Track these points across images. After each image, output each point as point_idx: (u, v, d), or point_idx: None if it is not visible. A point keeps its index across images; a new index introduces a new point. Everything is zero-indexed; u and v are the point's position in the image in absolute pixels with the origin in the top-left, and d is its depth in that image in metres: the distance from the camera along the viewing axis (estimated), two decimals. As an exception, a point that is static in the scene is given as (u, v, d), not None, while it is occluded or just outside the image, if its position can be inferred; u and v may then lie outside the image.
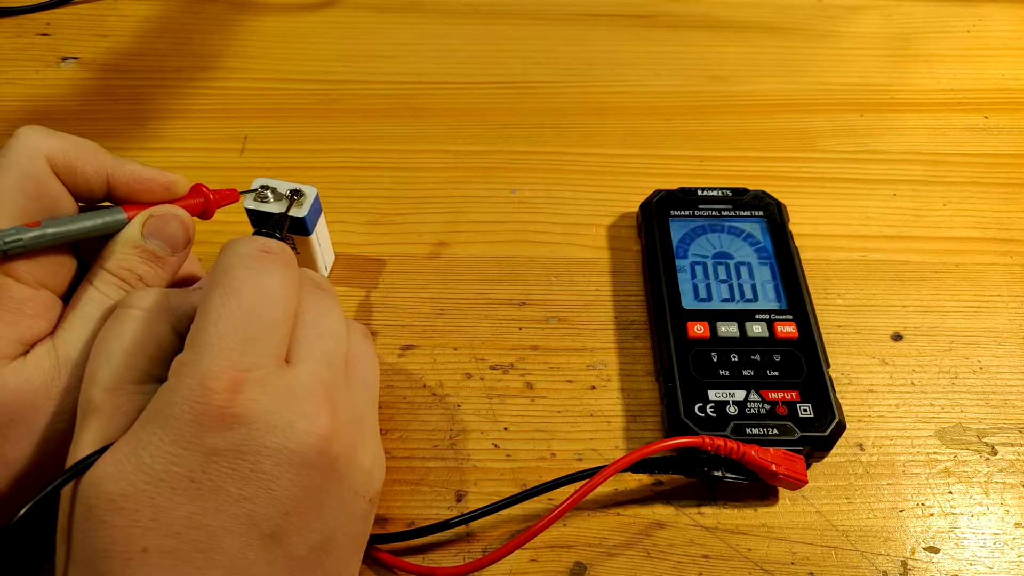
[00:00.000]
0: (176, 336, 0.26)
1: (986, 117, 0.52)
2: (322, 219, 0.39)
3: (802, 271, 0.40)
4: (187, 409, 0.22)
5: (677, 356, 0.36)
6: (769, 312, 0.38)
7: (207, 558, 0.22)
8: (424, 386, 0.38)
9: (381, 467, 0.28)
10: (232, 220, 0.38)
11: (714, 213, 0.42)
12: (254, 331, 0.23)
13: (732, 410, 0.34)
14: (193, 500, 0.22)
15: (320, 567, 0.24)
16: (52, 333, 0.27)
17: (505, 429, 0.36)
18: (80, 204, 0.29)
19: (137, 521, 0.22)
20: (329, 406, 0.24)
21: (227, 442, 0.22)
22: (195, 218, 0.31)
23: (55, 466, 0.28)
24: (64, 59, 0.54)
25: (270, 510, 0.23)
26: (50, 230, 0.26)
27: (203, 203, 0.31)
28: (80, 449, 0.23)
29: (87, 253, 0.29)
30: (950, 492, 0.35)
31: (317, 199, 0.37)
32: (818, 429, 0.34)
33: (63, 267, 0.28)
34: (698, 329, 0.37)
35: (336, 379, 0.25)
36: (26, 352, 0.27)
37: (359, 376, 0.28)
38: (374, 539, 0.32)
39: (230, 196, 0.33)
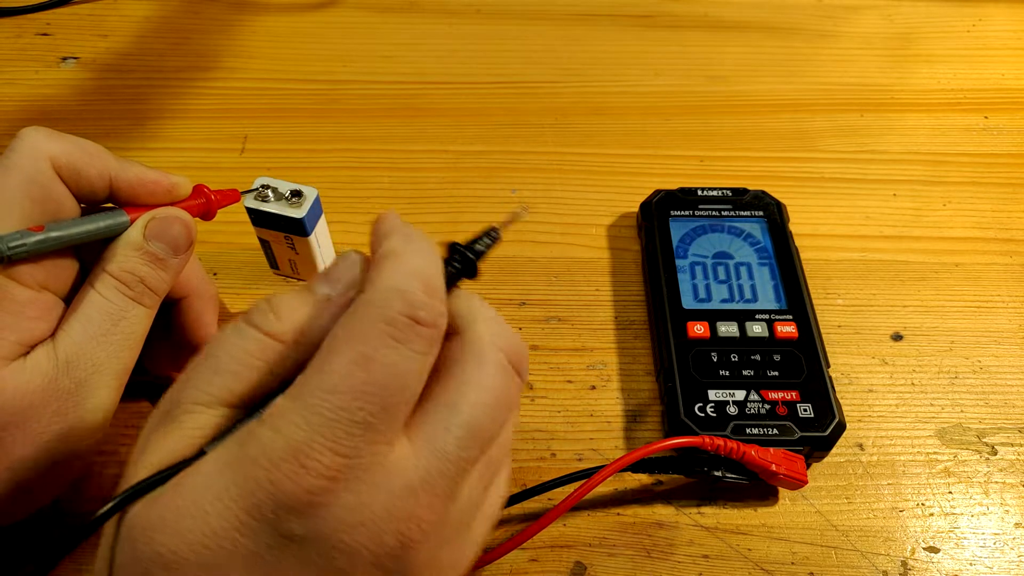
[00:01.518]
0: (292, 362, 0.22)
1: (986, 117, 0.52)
2: (322, 220, 0.39)
3: (802, 271, 0.40)
4: (272, 479, 0.19)
5: (677, 356, 0.36)
6: (769, 312, 0.38)
7: None
8: (424, 386, 0.38)
9: (465, 565, 0.24)
10: (233, 220, 0.38)
11: (714, 213, 0.42)
12: (373, 412, 0.20)
13: (732, 410, 0.34)
14: None
15: None
16: (53, 335, 0.27)
17: (505, 429, 0.36)
18: (82, 205, 0.29)
19: None
20: (428, 510, 0.20)
21: (306, 530, 0.19)
22: (196, 219, 0.31)
23: (53, 468, 0.28)
24: (64, 59, 0.54)
25: None
26: (53, 234, 0.26)
27: (205, 204, 0.31)
28: (149, 452, 0.21)
29: (88, 254, 0.29)
30: (950, 492, 0.35)
31: (317, 200, 0.37)
32: (818, 429, 0.34)
33: (65, 269, 0.28)
34: (698, 329, 0.37)
35: (454, 482, 0.21)
36: (26, 354, 0.27)
37: (488, 468, 0.23)
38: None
39: (231, 196, 0.33)
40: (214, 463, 0.20)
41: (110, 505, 0.20)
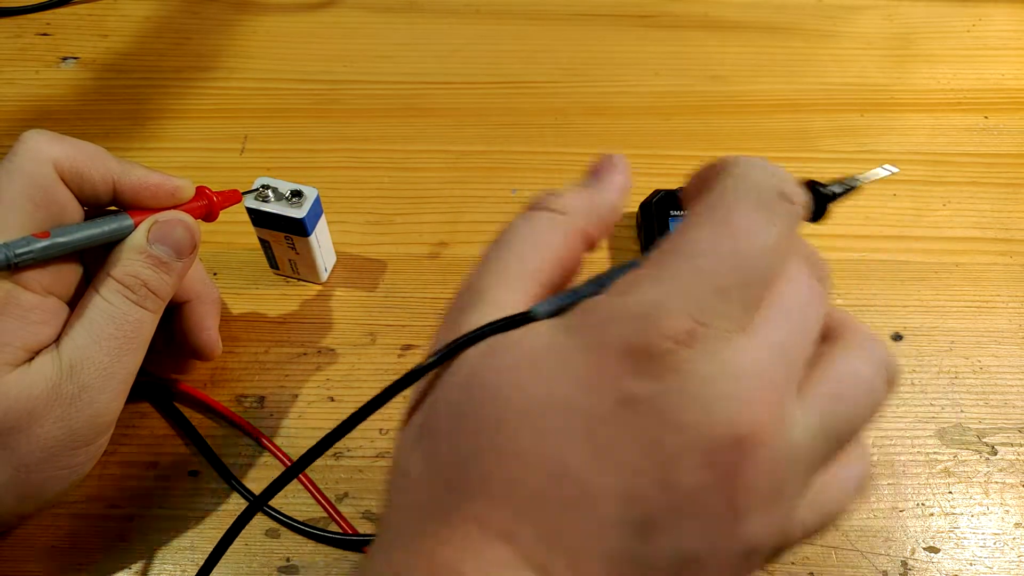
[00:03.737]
0: (587, 244, 0.23)
1: (986, 117, 0.52)
2: (323, 220, 0.39)
3: (802, 271, 0.40)
4: (625, 336, 0.18)
5: (677, 356, 0.36)
6: (769, 312, 0.38)
7: (571, 522, 0.18)
8: (424, 386, 0.37)
9: (782, 545, 0.20)
10: (233, 220, 0.37)
11: (714, 213, 0.42)
12: (736, 283, 0.19)
13: (732, 410, 0.34)
14: (577, 450, 0.18)
15: None
16: (57, 340, 0.27)
17: (505, 429, 0.36)
18: (84, 208, 0.29)
19: (520, 449, 0.18)
20: (766, 408, 0.18)
21: (648, 394, 0.18)
22: (198, 220, 0.31)
23: (57, 471, 0.28)
24: (64, 59, 0.54)
25: (653, 495, 0.18)
26: (59, 240, 0.26)
27: (207, 206, 0.31)
28: (457, 322, 0.20)
29: (92, 257, 0.29)
30: (950, 492, 0.35)
31: (318, 200, 0.37)
32: (818, 429, 0.34)
33: (69, 273, 0.28)
34: (698, 329, 0.37)
35: (784, 381, 0.19)
36: (31, 359, 0.27)
37: (823, 396, 0.20)
38: (374, 538, 0.32)
39: (233, 197, 0.33)
40: (556, 323, 0.19)
41: (444, 350, 0.19)
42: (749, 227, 0.19)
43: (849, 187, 0.24)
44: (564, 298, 0.20)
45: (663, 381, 0.18)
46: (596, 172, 0.24)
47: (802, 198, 0.20)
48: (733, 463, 0.18)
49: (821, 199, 0.23)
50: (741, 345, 0.19)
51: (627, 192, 0.24)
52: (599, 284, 0.21)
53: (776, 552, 0.20)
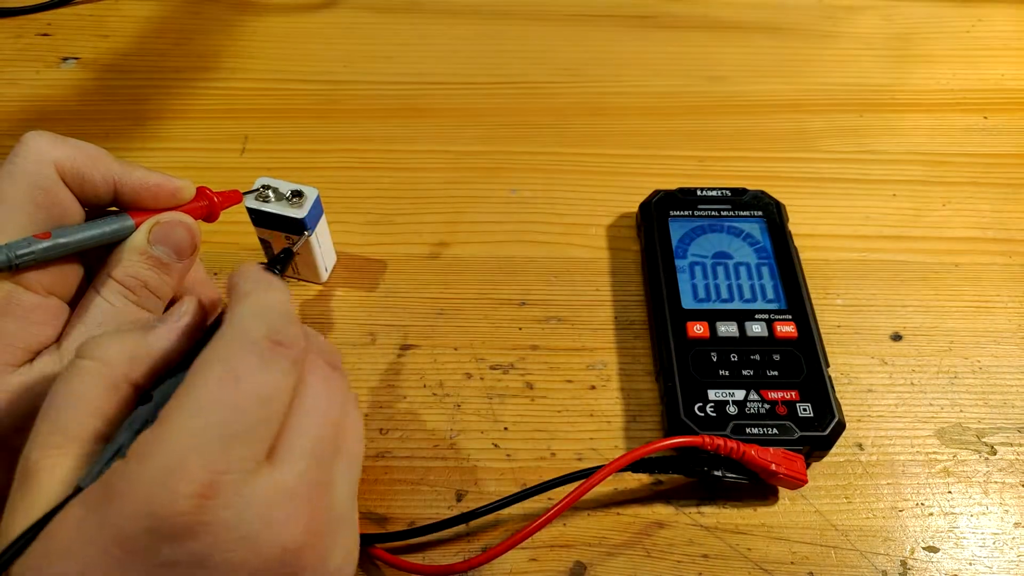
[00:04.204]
0: (133, 388, 0.23)
1: (986, 117, 0.52)
2: (323, 221, 0.39)
3: (801, 271, 0.40)
4: (145, 510, 0.19)
5: (677, 356, 0.36)
6: (768, 312, 0.38)
7: None
8: (424, 386, 0.38)
9: (353, 558, 0.25)
10: (234, 220, 0.38)
11: (713, 213, 0.42)
12: (244, 428, 0.20)
13: (732, 410, 0.34)
14: None
15: None
16: (58, 341, 0.27)
17: (505, 429, 0.36)
18: (85, 209, 0.29)
19: None
20: (307, 511, 0.21)
21: (186, 554, 0.19)
22: (199, 221, 0.31)
23: None
24: (65, 59, 0.54)
25: None
26: (60, 241, 0.26)
27: (208, 207, 0.31)
28: (9, 526, 0.20)
29: (93, 258, 0.29)
30: (949, 492, 0.35)
31: (318, 201, 0.37)
32: (818, 429, 0.34)
33: (70, 274, 0.28)
34: (698, 329, 0.37)
35: (322, 476, 0.22)
36: (32, 359, 0.27)
37: (347, 457, 0.24)
38: (374, 538, 0.32)
39: (233, 198, 0.33)
40: (81, 507, 0.20)
41: None
42: (248, 375, 0.21)
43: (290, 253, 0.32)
44: (95, 466, 0.21)
45: (197, 539, 0.19)
46: (168, 313, 0.26)
47: (296, 341, 0.22)
48: (292, 564, 0.21)
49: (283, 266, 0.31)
50: (266, 474, 0.21)
51: (192, 332, 0.25)
52: (131, 434, 0.22)
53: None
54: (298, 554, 0.21)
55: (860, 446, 0.36)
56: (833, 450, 0.34)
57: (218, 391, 0.21)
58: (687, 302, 0.38)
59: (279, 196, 0.37)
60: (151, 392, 0.23)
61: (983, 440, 0.36)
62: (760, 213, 0.42)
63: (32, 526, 0.20)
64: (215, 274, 0.42)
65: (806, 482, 0.32)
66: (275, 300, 0.23)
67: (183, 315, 0.25)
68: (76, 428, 0.22)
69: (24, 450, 0.22)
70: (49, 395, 0.22)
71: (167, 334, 0.24)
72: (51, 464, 0.21)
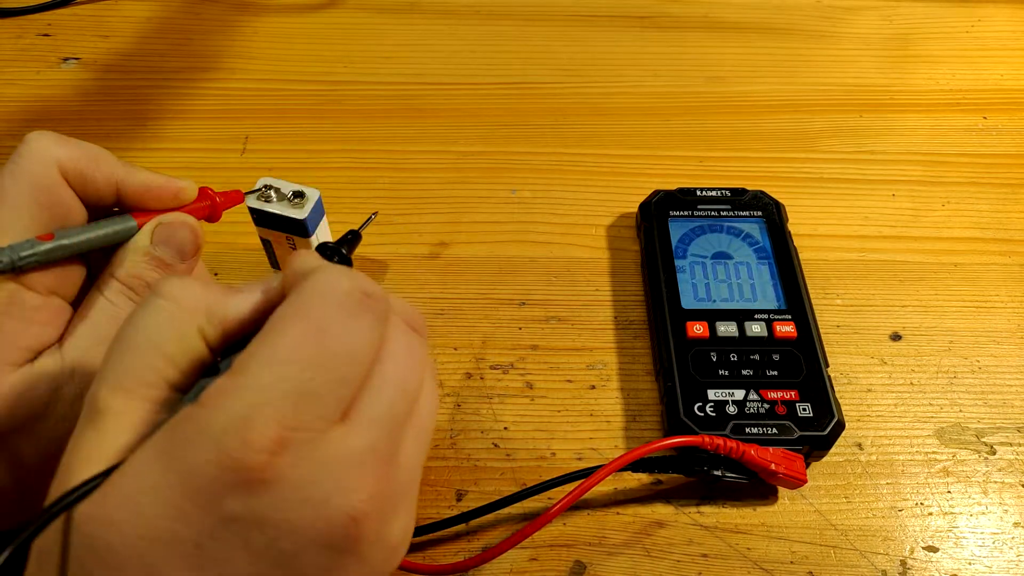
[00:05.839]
0: (204, 344, 0.22)
1: (985, 117, 0.52)
2: (324, 221, 0.39)
3: (801, 271, 0.40)
4: (213, 459, 0.18)
5: (676, 356, 0.36)
6: (768, 312, 0.38)
7: None
8: (424, 386, 0.38)
9: (409, 536, 0.24)
10: (234, 220, 0.38)
11: (713, 213, 0.42)
12: (323, 385, 0.19)
13: (731, 409, 0.34)
14: (192, 570, 0.19)
15: None
16: (60, 341, 0.28)
17: (505, 429, 0.36)
18: (88, 210, 0.29)
19: None
20: (373, 481, 0.20)
21: (249, 509, 0.19)
22: (201, 221, 0.31)
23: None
24: (65, 60, 0.54)
25: None
26: (63, 242, 0.26)
27: (210, 207, 0.31)
28: (75, 465, 0.20)
29: (96, 258, 0.29)
30: (949, 491, 0.35)
31: (319, 201, 0.37)
32: (817, 428, 0.34)
33: (73, 274, 0.28)
34: (697, 329, 0.37)
35: (393, 445, 0.22)
36: (34, 359, 0.27)
37: (417, 429, 0.23)
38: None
39: (235, 198, 0.33)
40: (148, 452, 0.19)
41: (47, 515, 0.19)
42: (341, 325, 0.20)
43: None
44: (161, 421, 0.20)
45: (261, 495, 0.19)
46: (252, 282, 0.24)
47: (384, 295, 0.22)
48: (354, 536, 0.20)
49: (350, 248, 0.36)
50: (337, 437, 0.20)
51: (272, 307, 0.22)
52: (200, 385, 0.21)
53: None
54: (360, 523, 0.20)
55: (859, 446, 0.36)
56: (833, 450, 0.35)
57: (300, 343, 0.20)
58: (687, 302, 0.38)
59: (281, 196, 0.37)
60: (218, 363, 0.22)
61: (982, 440, 0.36)
62: (760, 213, 0.43)
63: (101, 473, 0.19)
64: (216, 274, 0.42)
65: (806, 482, 0.32)
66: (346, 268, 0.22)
67: (269, 288, 0.23)
68: (146, 373, 0.21)
69: (92, 386, 0.21)
70: (120, 331, 0.21)
71: (247, 301, 0.23)
72: (120, 407, 0.20)
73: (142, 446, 0.19)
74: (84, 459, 0.20)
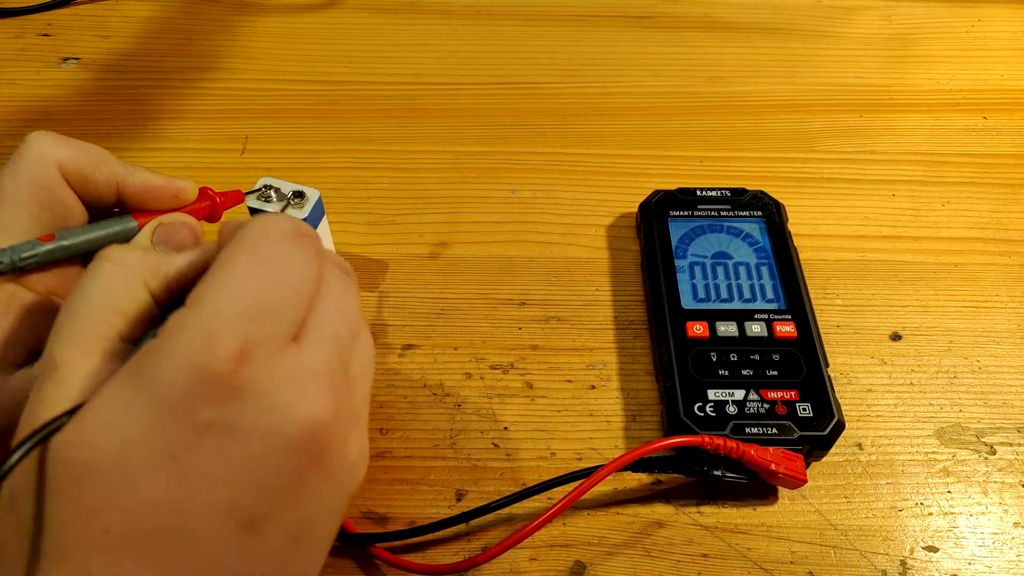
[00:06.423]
0: (152, 299, 0.23)
1: (985, 117, 0.52)
2: (324, 221, 0.39)
3: (801, 271, 0.40)
4: (183, 371, 0.20)
5: (676, 356, 0.36)
6: (768, 312, 0.38)
7: (176, 545, 0.20)
8: (424, 386, 0.38)
9: (365, 461, 0.26)
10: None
11: (713, 213, 0.42)
12: (274, 304, 0.21)
13: (731, 409, 0.34)
14: (170, 480, 0.20)
15: (293, 559, 0.23)
16: None
17: (505, 429, 0.36)
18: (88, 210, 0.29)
19: (102, 497, 0.19)
20: (331, 393, 0.22)
21: (220, 417, 0.20)
22: (201, 221, 0.31)
23: None
24: (65, 60, 0.54)
25: (252, 497, 0.21)
26: (64, 243, 0.26)
27: (210, 207, 0.31)
28: (38, 413, 0.21)
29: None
30: (949, 491, 0.35)
31: (319, 202, 0.37)
32: (817, 428, 0.34)
33: (73, 275, 0.28)
34: (697, 329, 0.37)
35: (342, 366, 0.23)
36: (34, 360, 0.27)
37: (360, 362, 0.25)
38: (374, 538, 0.32)
39: (235, 198, 0.33)
40: (118, 380, 0.20)
41: (20, 451, 0.20)
42: (282, 256, 0.22)
43: None
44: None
45: (231, 402, 0.20)
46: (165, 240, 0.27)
47: (314, 232, 0.24)
48: (319, 441, 0.21)
49: None
50: (293, 354, 0.22)
51: (198, 267, 0.25)
52: (151, 333, 0.22)
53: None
54: (326, 430, 0.22)
55: (859, 446, 0.36)
56: (833, 450, 0.35)
57: (248, 272, 0.21)
58: (687, 302, 0.38)
59: (281, 196, 0.37)
60: (165, 317, 0.22)
61: (982, 440, 0.36)
62: (760, 213, 0.43)
63: (71, 409, 0.20)
64: (215, 274, 0.42)
65: (806, 482, 0.32)
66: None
67: (207, 248, 0.25)
68: (99, 326, 0.22)
69: (47, 348, 0.22)
70: (69, 296, 0.23)
71: (187, 258, 0.24)
72: (76, 360, 0.21)
73: (111, 379, 0.20)
74: (47, 407, 0.21)
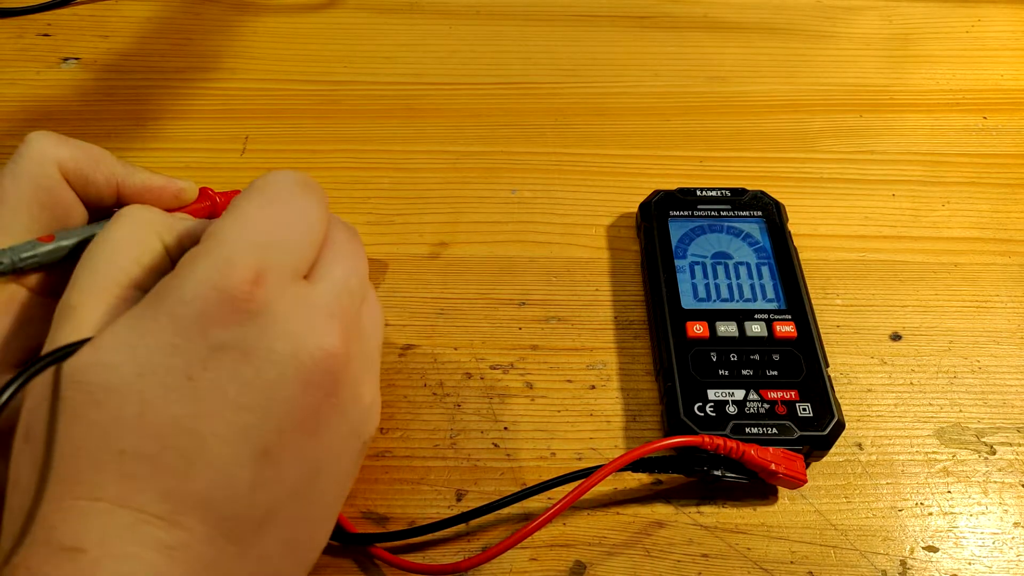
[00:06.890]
0: (166, 252, 0.24)
1: (985, 117, 0.52)
2: (323, 219, 0.39)
3: (801, 271, 0.40)
4: (201, 292, 0.20)
5: (676, 356, 0.36)
6: (768, 312, 0.38)
7: (189, 469, 0.20)
8: (424, 386, 0.38)
9: (378, 410, 0.26)
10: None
11: (713, 213, 0.42)
12: (283, 239, 0.22)
13: (731, 409, 0.34)
14: (186, 401, 0.20)
15: (306, 498, 0.23)
16: None
17: (505, 429, 0.36)
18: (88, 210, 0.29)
19: (118, 418, 0.19)
20: (342, 329, 0.22)
21: (236, 338, 0.20)
22: None
23: None
24: (65, 60, 0.54)
25: (267, 424, 0.21)
26: (63, 243, 0.26)
27: (210, 207, 0.32)
28: (55, 343, 0.21)
29: None
30: (949, 491, 0.35)
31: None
32: (817, 428, 0.34)
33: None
34: (697, 329, 0.37)
35: (352, 309, 0.24)
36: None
37: (370, 318, 0.26)
38: (374, 538, 0.32)
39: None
40: (137, 309, 0.21)
41: (35, 367, 0.20)
42: (291, 198, 0.23)
43: None
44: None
45: (247, 324, 0.20)
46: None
47: (320, 187, 0.25)
48: (332, 373, 0.22)
49: None
50: (305, 288, 0.22)
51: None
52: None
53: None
54: (337, 361, 0.22)
55: (859, 446, 0.36)
56: (833, 450, 0.35)
57: (261, 210, 0.22)
58: (687, 302, 0.38)
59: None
60: None
61: (982, 440, 0.36)
62: (760, 213, 0.43)
63: (87, 339, 0.20)
64: (215, 274, 0.42)
65: (806, 482, 0.32)
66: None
67: (214, 218, 0.26)
68: (116, 272, 0.22)
69: (62, 298, 0.22)
70: (87, 250, 0.23)
71: (199, 222, 0.26)
72: (93, 304, 0.22)
73: (129, 311, 0.21)
74: (65, 338, 0.21)
